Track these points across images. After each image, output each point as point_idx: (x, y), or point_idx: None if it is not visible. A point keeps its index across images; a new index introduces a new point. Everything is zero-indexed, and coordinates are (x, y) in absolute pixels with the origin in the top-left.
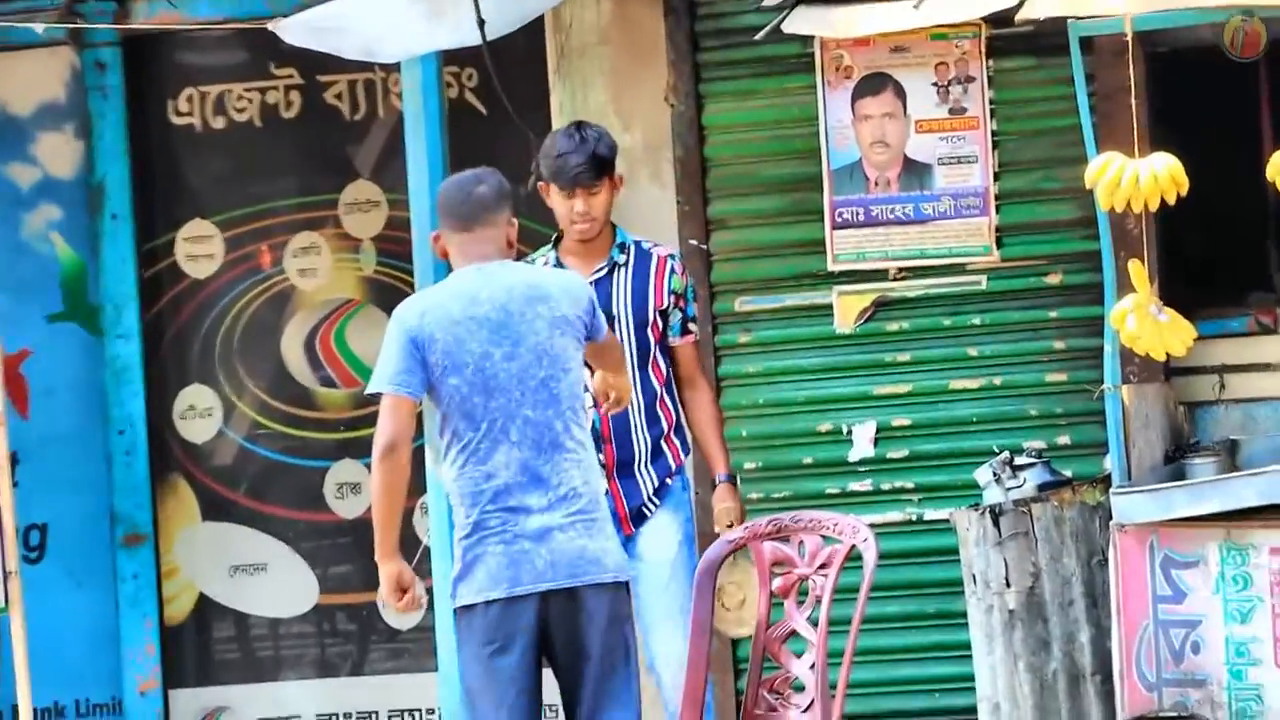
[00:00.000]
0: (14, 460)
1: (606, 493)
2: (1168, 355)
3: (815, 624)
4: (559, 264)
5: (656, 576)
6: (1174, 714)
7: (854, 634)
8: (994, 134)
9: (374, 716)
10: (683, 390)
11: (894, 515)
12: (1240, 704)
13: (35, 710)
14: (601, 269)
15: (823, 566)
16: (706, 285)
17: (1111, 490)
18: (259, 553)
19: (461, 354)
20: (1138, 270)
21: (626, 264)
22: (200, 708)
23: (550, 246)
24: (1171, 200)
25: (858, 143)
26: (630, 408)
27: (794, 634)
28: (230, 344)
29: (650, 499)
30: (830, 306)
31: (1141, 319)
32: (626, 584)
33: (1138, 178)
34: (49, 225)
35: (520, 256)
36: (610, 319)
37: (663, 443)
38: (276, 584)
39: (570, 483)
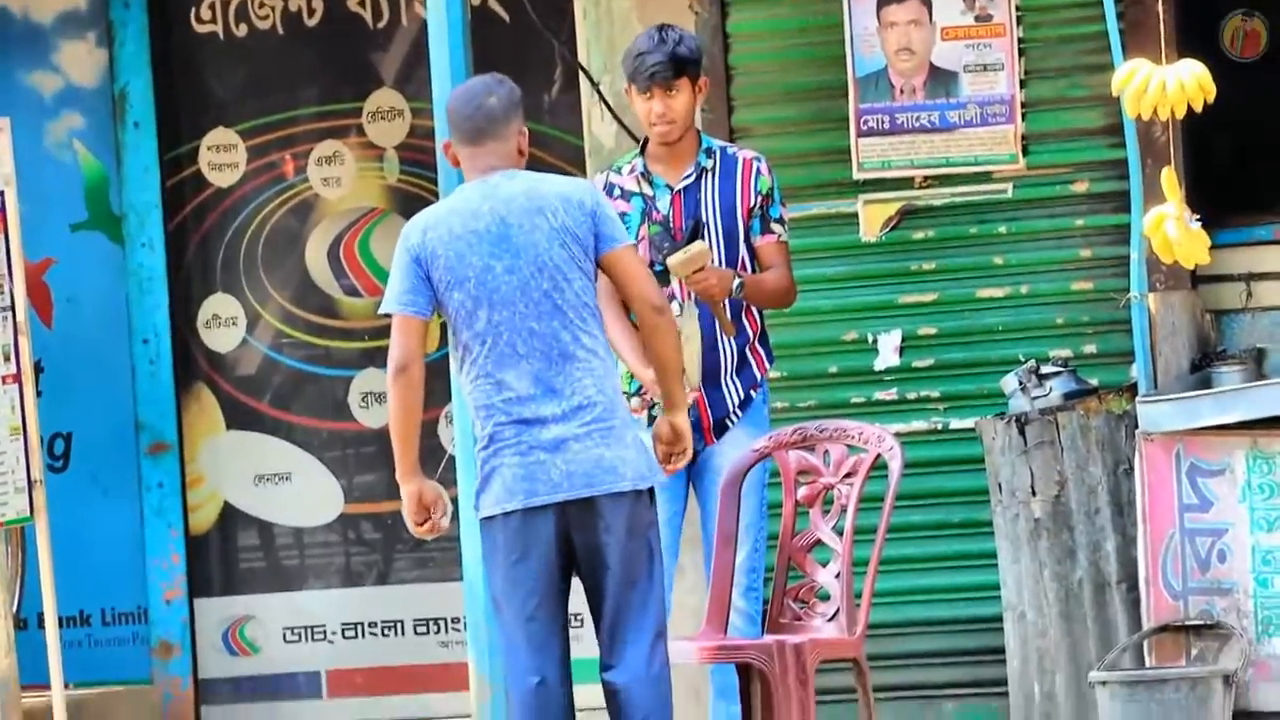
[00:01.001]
0: (38, 369)
1: (692, 406)
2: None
3: (840, 533)
4: (645, 170)
5: (720, 492)
6: (1200, 622)
7: (879, 543)
8: (1020, 41)
9: (399, 625)
10: None
11: (919, 424)
12: (1266, 612)
13: (61, 619)
14: (689, 175)
15: (848, 475)
16: None
17: (1138, 399)
18: (283, 462)
19: (463, 268)
20: (1170, 179)
21: (713, 169)
22: (225, 617)
23: (636, 152)
24: (1199, 108)
25: (883, 50)
26: (716, 317)
27: (819, 543)
28: (254, 253)
29: (735, 411)
30: (856, 215)
31: (1179, 226)
32: (649, 491)
33: (1165, 85)
34: (71, 134)
35: (536, 167)
36: (699, 224)
37: (748, 351)
38: (301, 493)
39: (584, 392)
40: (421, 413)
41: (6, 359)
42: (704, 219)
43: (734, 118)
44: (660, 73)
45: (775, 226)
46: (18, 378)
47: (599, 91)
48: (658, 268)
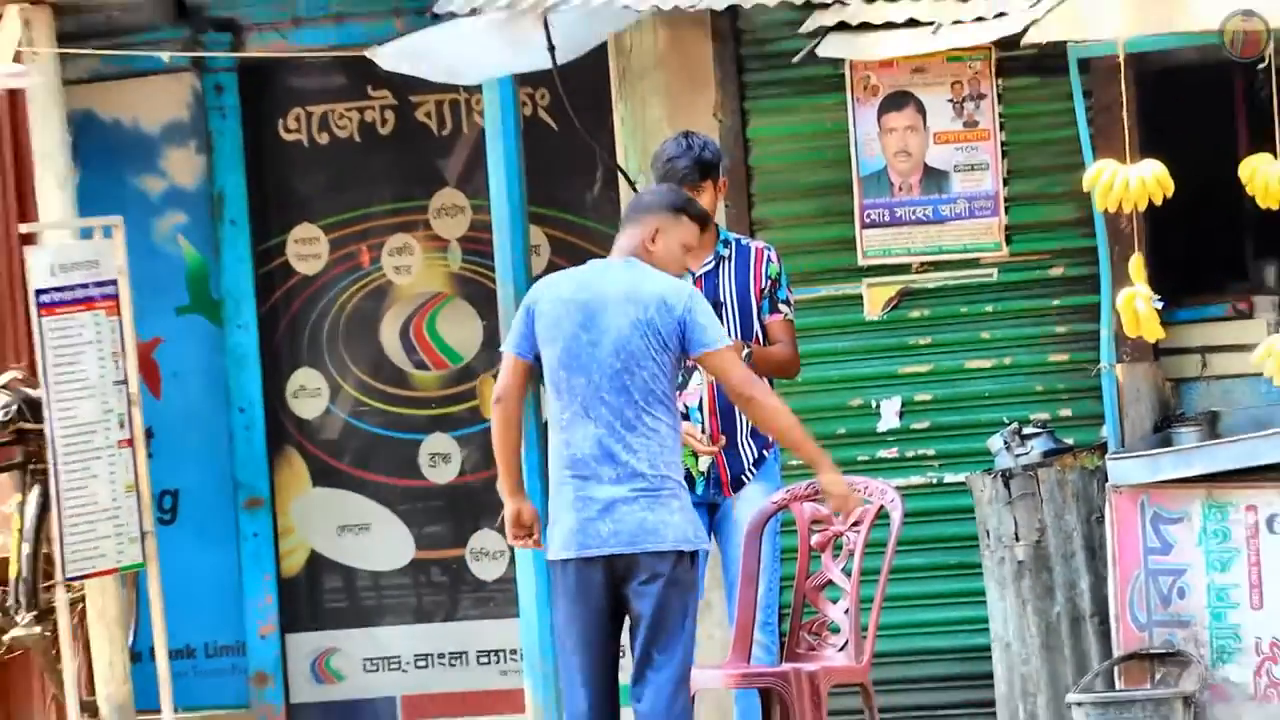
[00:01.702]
0: (149, 434)
1: (712, 463)
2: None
3: (849, 574)
4: None
5: (741, 539)
6: (1163, 650)
7: (883, 582)
8: (1003, 144)
9: (464, 657)
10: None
11: (917, 479)
12: (1220, 642)
13: (170, 652)
14: (709, 262)
15: (855, 524)
16: None
17: (1108, 456)
18: (362, 514)
19: (557, 330)
20: (1138, 264)
21: (730, 257)
22: (313, 649)
23: None
24: (1158, 202)
25: (883, 152)
26: None
27: (830, 583)
28: (335, 332)
29: (750, 468)
30: (860, 296)
31: (1147, 304)
32: (691, 554)
33: (1129, 182)
34: (175, 229)
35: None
36: (718, 305)
37: None
38: (378, 542)
39: (638, 463)
40: (519, 442)
41: (121, 426)
42: (721, 300)
43: (754, 211)
44: (687, 176)
45: (782, 306)
46: (130, 442)
47: (635, 189)
48: None
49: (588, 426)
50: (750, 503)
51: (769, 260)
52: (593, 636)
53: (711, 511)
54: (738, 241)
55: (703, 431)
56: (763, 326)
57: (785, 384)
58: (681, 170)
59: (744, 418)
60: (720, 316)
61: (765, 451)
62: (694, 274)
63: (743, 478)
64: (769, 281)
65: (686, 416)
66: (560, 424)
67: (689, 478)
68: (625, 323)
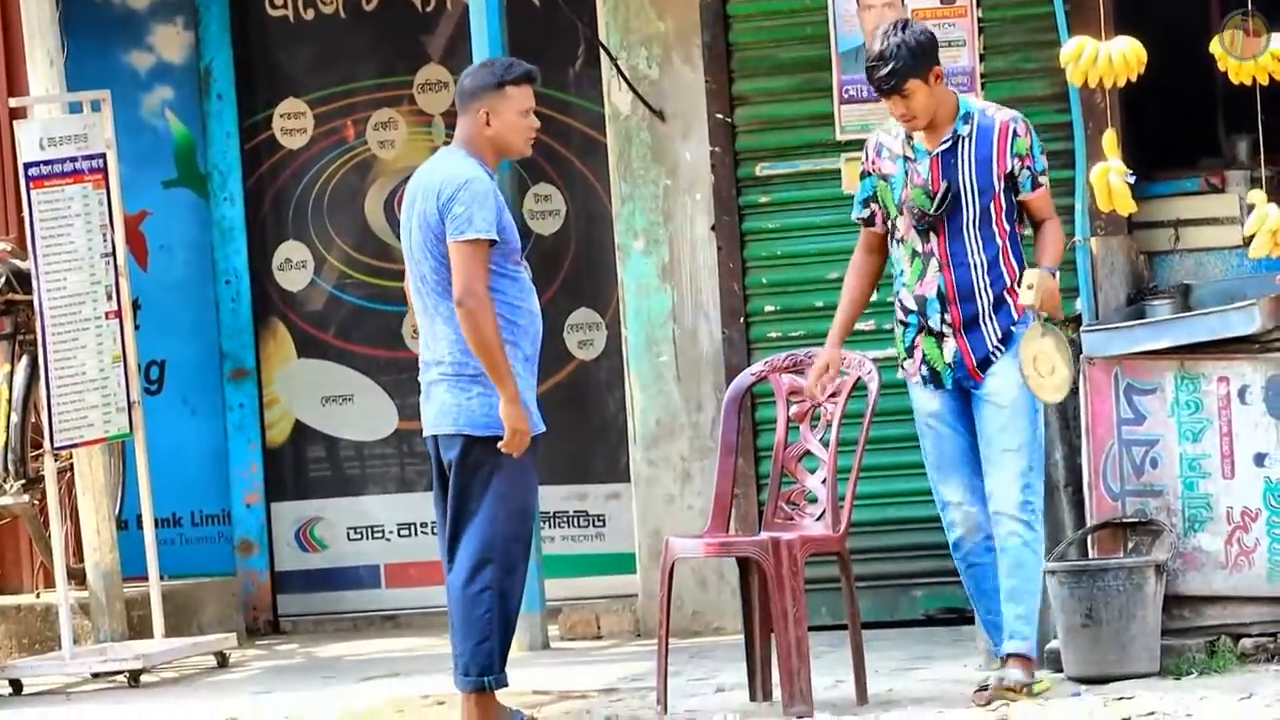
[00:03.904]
0: (136, 306)
1: (956, 351)
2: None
3: (826, 444)
4: (908, 135)
5: (997, 417)
6: (1135, 519)
7: (860, 452)
8: (979, 20)
9: None
10: (1037, 230)
11: (893, 350)
12: (1192, 511)
13: (156, 520)
14: (946, 140)
15: (833, 395)
16: (731, 154)
17: (1081, 328)
18: (346, 385)
19: (403, 226)
20: (1111, 140)
21: (970, 134)
22: (298, 518)
23: None
24: (1133, 78)
25: (862, 29)
26: (973, 267)
27: (808, 453)
28: (320, 206)
29: (996, 347)
30: (839, 171)
31: (1120, 179)
32: (479, 438)
33: (1108, 58)
34: (163, 104)
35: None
36: (955, 189)
37: (1005, 294)
38: (361, 412)
39: (439, 350)
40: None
41: (109, 297)
42: (959, 182)
43: (734, 88)
44: (885, 86)
45: (1041, 179)
46: (118, 314)
47: (616, 65)
48: (920, 228)
49: (418, 313)
50: (1001, 379)
51: (1015, 134)
52: (442, 509)
53: (967, 397)
54: (981, 114)
55: (942, 320)
56: (1025, 204)
57: (764, 257)
58: (878, 80)
59: (987, 299)
60: (959, 202)
61: (1013, 327)
62: (930, 153)
63: (990, 357)
64: (1016, 159)
65: (924, 311)
66: None
67: (935, 372)
68: (418, 216)
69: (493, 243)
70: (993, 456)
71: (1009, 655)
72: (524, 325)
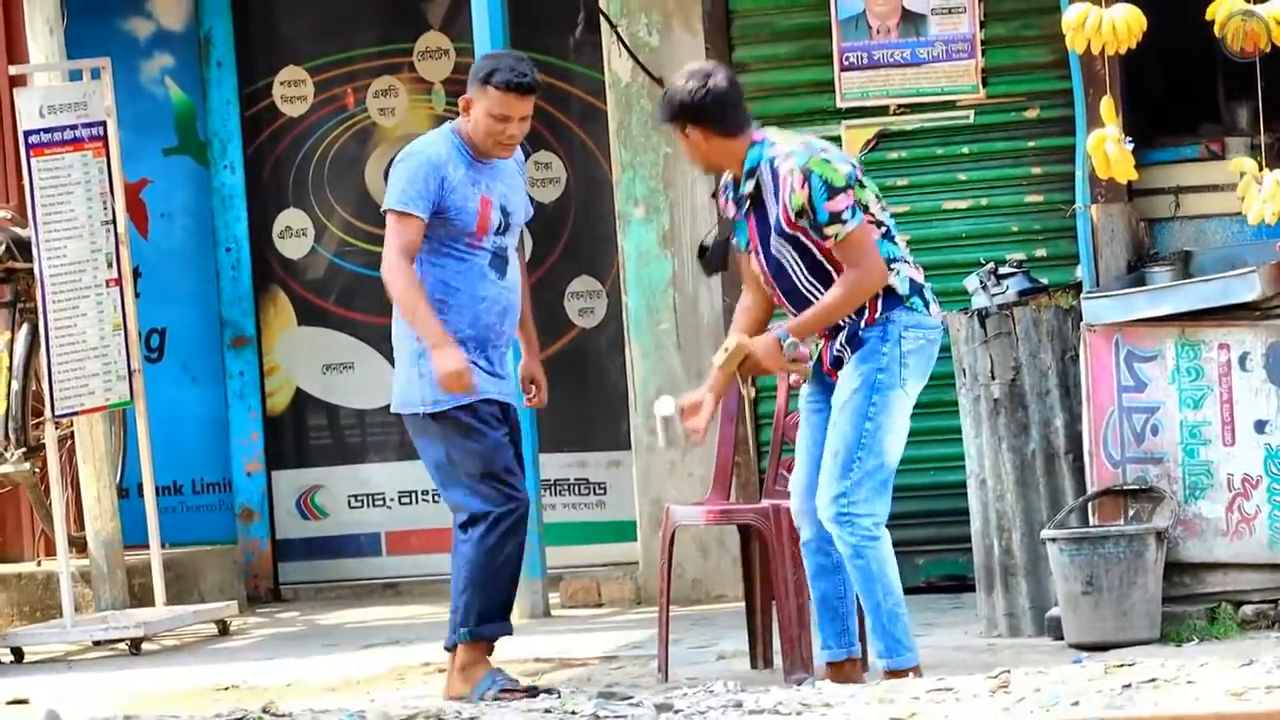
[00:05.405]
0: (136, 273)
1: (819, 347)
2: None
3: None
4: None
5: (831, 418)
6: (1135, 486)
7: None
8: None
9: None
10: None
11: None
12: (1192, 478)
13: (157, 488)
14: (746, 192)
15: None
16: None
17: (1082, 295)
18: (347, 353)
19: None
20: (1108, 107)
21: (757, 188)
22: (298, 486)
23: None
24: (1133, 45)
25: None
26: (815, 298)
27: None
28: (321, 173)
29: (842, 345)
30: (839, 138)
31: (1117, 146)
32: (427, 416)
33: (1111, 25)
34: (163, 71)
35: None
36: (727, 243)
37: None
38: (362, 380)
39: (396, 325)
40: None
41: (110, 265)
42: (765, 235)
43: (734, 54)
44: (659, 122)
45: (829, 229)
46: (119, 281)
47: (617, 32)
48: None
49: None
50: (842, 381)
51: (791, 190)
52: None
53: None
54: (770, 164)
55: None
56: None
57: None
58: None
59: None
60: (777, 253)
61: (859, 332)
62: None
63: (840, 358)
64: (797, 215)
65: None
66: None
67: (818, 362)
68: None
69: (435, 218)
70: (823, 455)
71: (887, 673)
72: (457, 305)
